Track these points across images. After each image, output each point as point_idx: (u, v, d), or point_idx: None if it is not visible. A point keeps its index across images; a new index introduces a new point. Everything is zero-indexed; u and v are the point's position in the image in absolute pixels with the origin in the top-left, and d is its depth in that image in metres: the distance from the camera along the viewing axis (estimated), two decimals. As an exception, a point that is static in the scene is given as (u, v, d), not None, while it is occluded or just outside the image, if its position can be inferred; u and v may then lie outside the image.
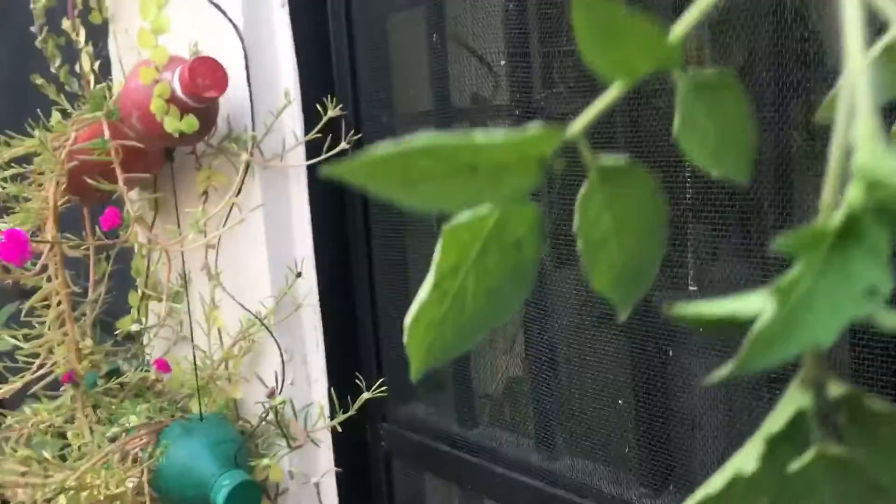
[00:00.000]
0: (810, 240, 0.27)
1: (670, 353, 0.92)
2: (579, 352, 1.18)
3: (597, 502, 1.01)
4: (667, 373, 0.95)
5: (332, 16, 1.25)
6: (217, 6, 1.24)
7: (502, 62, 1.04)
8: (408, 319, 0.34)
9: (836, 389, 0.27)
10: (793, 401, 0.27)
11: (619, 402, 1.00)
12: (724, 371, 0.25)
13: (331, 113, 1.22)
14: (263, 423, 1.26)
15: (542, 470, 1.08)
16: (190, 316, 1.35)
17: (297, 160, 1.27)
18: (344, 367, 1.31)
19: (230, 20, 1.24)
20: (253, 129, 1.24)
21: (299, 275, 1.29)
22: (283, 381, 1.29)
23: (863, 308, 0.25)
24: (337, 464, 1.31)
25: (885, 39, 0.37)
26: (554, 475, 1.06)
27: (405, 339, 0.34)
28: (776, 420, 0.27)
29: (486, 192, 0.36)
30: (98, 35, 1.44)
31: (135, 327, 1.37)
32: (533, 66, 1.01)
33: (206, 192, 1.31)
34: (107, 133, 1.20)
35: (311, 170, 1.27)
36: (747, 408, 0.88)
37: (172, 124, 1.15)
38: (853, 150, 0.29)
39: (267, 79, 1.26)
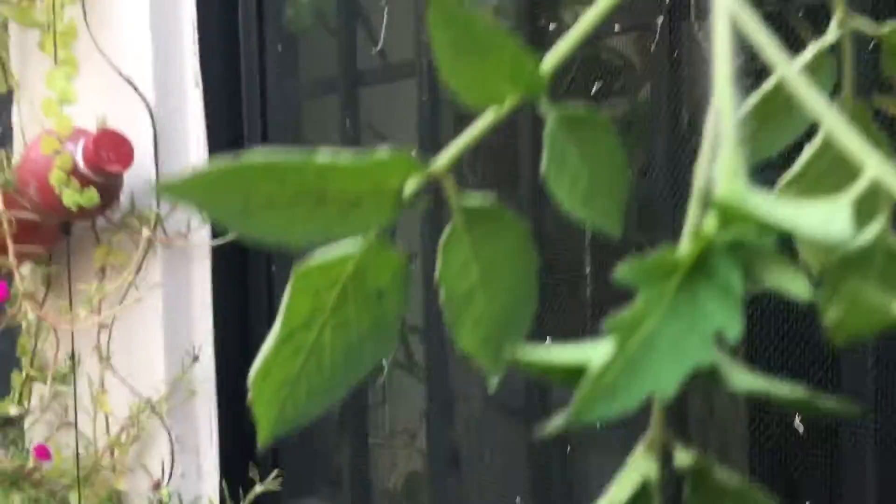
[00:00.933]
0: (658, 271, 0.25)
1: (569, 449, 0.90)
2: (479, 447, 1.15)
3: None
4: (565, 470, 0.93)
5: (247, 98, 1.24)
6: (129, 81, 1.22)
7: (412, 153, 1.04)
8: (253, 374, 0.31)
9: (682, 458, 0.26)
10: (637, 469, 0.25)
11: (518, 499, 0.97)
12: (556, 422, 0.23)
13: (239, 194, 1.19)
14: (147, 516, 1.18)
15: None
16: (76, 400, 1.28)
17: (202, 240, 1.24)
18: (238, 459, 1.25)
19: (141, 95, 1.22)
20: (158, 207, 1.21)
21: (196, 359, 1.23)
22: (171, 472, 1.22)
23: (709, 354, 0.23)
24: (225, 563, 1.23)
25: (764, 87, 0.37)
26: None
27: (250, 397, 0.31)
28: (619, 491, 0.25)
29: (336, 226, 0.33)
30: (2, 104, 1.40)
31: (14, 410, 1.29)
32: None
33: (103, 269, 1.26)
34: (0, 204, 1.15)
35: (216, 251, 1.23)
36: None
37: (72, 198, 1.11)
38: (714, 185, 0.28)
39: (176, 156, 1.24)
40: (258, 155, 0.31)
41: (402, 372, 1.22)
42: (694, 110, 0.81)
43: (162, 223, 1.22)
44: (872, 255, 0.30)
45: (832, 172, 0.43)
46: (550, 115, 0.35)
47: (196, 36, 1.23)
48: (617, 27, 0.82)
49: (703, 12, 0.77)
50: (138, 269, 1.22)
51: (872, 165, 0.28)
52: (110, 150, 1.12)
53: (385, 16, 1.08)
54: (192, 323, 1.25)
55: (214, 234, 1.23)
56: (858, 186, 0.29)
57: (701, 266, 0.26)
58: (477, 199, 0.35)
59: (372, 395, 1.19)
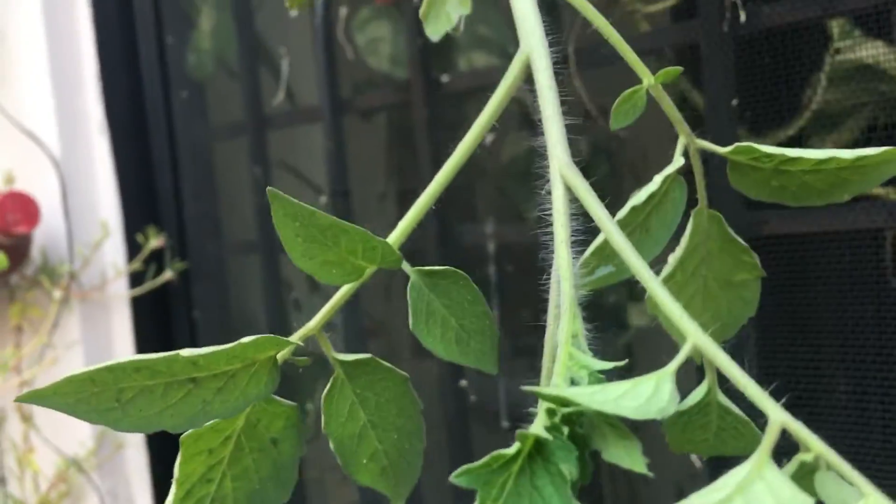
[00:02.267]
0: (494, 469, 0.27)
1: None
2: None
3: None
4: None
5: (154, 144, 1.23)
6: (32, 135, 1.20)
7: (322, 199, 1.04)
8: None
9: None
10: None
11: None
12: None
13: (153, 243, 1.18)
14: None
15: None
16: (2, 462, 1.26)
17: (119, 291, 1.22)
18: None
19: (45, 149, 1.20)
20: (70, 261, 1.20)
21: (122, 411, 1.22)
22: (104, 526, 1.21)
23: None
24: None
25: (597, 241, 0.39)
26: None
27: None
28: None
29: (215, 401, 0.35)
30: None
31: (-61, 475, 1.26)
32: (354, 199, 1.02)
33: (19, 327, 1.24)
34: None
35: (135, 301, 1.22)
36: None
37: (-21, 262, 1.09)
38: (559, 346, 0.30)
39: (86, 208, 1.22)
40: (128, 359, 0.32)
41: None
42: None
43: (76, 277, 1.20)
44: (707, 411, 0.32)
45: (687, 283, 0.45)
46: (412, 275, 0.36)
47: (99, 85, 1.21)
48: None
49: (582, 65, 0.79)
50: (54, 327, 1.20)
51: (692, 334, 0.30)
52: (17, 211, 1.10)
53: (286, 64, 1.07)
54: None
55: (132, 285, 1.22)
56: (681, 356, 0.31)
57: (538, 452, 0.28)
58: (352, 356, 0.37)
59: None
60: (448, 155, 0.93)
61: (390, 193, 1.02)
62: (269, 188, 0.34)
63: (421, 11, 0.42)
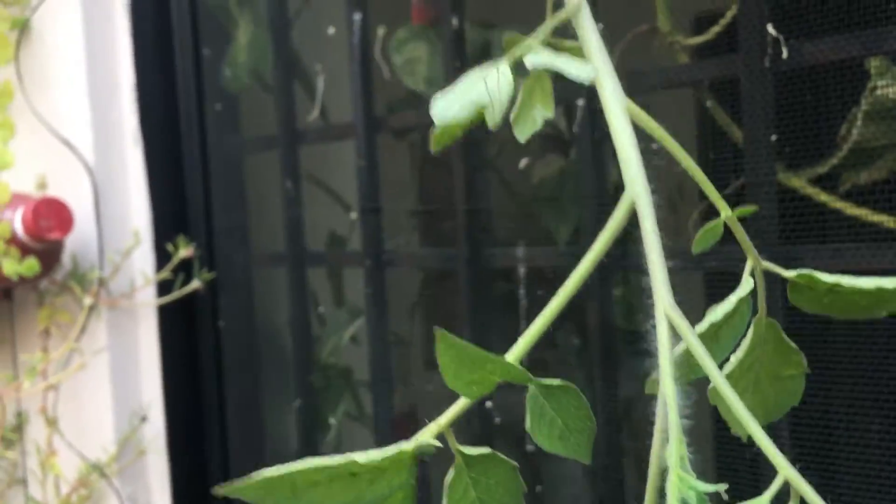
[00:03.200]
0: None
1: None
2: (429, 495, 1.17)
3: None
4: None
5: (187, 155, 1.25)
6: (67, 142, 1.22)
7: (352, 215, 1.05)
8: None
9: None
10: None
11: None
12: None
13: (182, 253, 1.20)
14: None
15: None
16: (24, 464, 1.27)
17: (147, 299, 1.24)
18: (191, 514, 1.26)
19: (80, 156, 1.21)
20: (100, 268, 1.21)
21: (144, 419, 1.24)
22: (124, 532, 1.22)
23: None
24: None
25: (679, 349, 0.40)
26: None
27: None
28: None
29: (366, 489, 0.39)
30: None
31: (-38, 475, 1.28)
32: (384, 217, 1.03)
33: (47, 331, 1.25)
34: (-61, 272, 1.14)
35: (162, 309, 1.23)
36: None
37: (11, 267, 1.11)
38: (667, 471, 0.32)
39: (117, 216, 1.24)
40: (305, 463, 0.36)
41: (354, 423, 1.23)
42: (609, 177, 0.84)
43: (106, 284, 1.21)
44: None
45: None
46: (532, 386, 0.39)
47: (135, 95, 1.23)
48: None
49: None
50: (82, 332, 1.21)
51: (783, 467, 0.32)
52: (50, 217, 1.12)
53: (321, 81, 1.09)
54: (140, 383, 1.25)
55: (160, 293, 1.23)
56: (773, 488, 0.32)
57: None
58: (475, 449, 0.41)
59: (324, 447, 1.21)
60: (480, 177, 0.93)
61: (421, 213, 1.03)
62: (435, 329, 0.39)
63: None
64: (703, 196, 0.80)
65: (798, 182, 0.73)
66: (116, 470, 1.23)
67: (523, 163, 0.88)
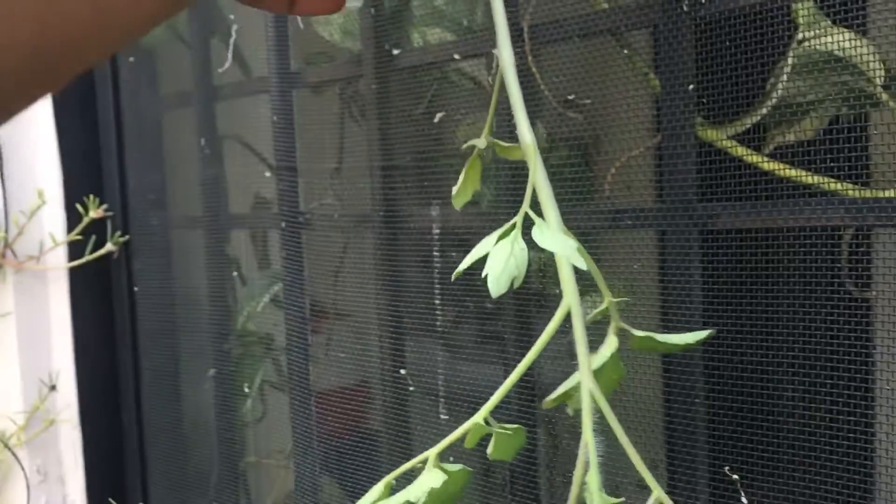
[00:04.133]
0: None
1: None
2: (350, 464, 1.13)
3: None
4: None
5: (100, 111, 1.18)
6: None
7: (266, 173, 1.00)
8: None
9: None
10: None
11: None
12: None
13: (93, 214, 1.14)
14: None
15: None
16: (-74, 434, 1.21)
17: (58, 262, 1.18)
18: (106, 487, 1.21)
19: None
20: (5, 231, 1.14)
21: (53, 388, 1.18)
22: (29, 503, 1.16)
23: None
24: None
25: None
26: None
27: None
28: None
29: None
30: None
31: None
32: (300, 178, 0.98)
33: (-50, 296, 1.18)
34: None
35: (74, 272, 1.17)
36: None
37: None
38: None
39: (24, 175, 1.17)
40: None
41: (274, 391, 1.19)
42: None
43: (10, 246, 1.15)
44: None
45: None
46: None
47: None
48: (457, 56, 0.80)
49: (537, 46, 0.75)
50: (-13, 296, 1.15)
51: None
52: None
53: (234, 31, 1.03)
54: (51, 349, 1.20)
55: (71, 257, 1.17)
56: None
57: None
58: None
59: (241, 416, 1.16)
60: (397, 131, 0.89)
61: (342, 169, 0.98)
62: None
63: (454, 192, 0.56)
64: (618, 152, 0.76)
65: (716, 136, 0.69)
66: (24, 441, 1.17)
67: (438, 117, 0.84)
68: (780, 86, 0.73)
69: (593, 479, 0.37)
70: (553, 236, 0.43)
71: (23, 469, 1.15)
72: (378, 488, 0.42)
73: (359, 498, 0.44)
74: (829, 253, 0.68)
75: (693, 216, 0.66)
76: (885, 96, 0.70)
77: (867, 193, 0.63)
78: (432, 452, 0.41)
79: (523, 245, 0.44)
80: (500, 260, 0.44)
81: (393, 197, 0.88)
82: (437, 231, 0.85)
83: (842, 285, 0.68)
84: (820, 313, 0.68)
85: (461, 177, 0.55)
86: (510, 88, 0.50)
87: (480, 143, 0.54)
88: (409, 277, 0.88)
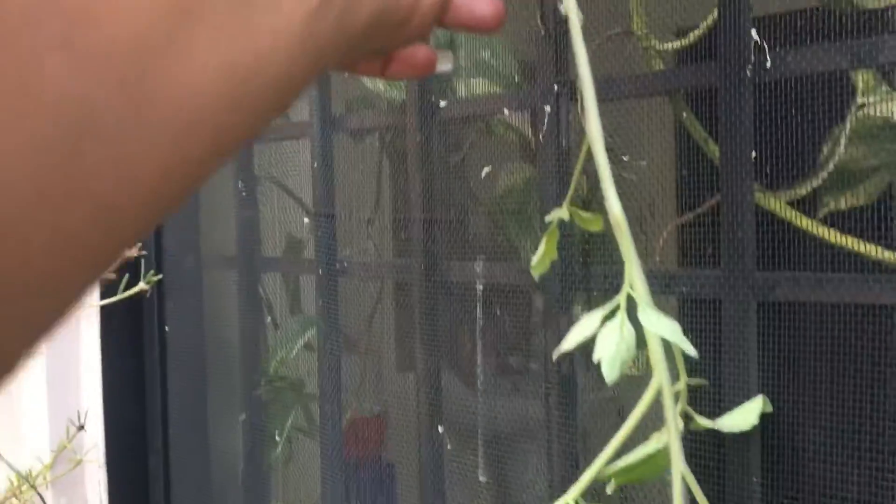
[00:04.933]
0: None
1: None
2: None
3: None
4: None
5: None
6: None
7: (304, 219, 0.99)
8: None
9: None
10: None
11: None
12: None
13: (127, 252, 1.13)
14: None
15: None
16: (-48, 471, 1.19)
17: (89, 300, 1.16)
18: (130, 529, 1.19)
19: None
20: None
21: (81, 427, 1.17)
22: (56, 547, 1.15)
23: None
24: None
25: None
26: None
27: None
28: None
29: None
30: None
31: None
32: (339, 226, 0.97)
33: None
34: None
35: (105, 311, 1.16)
36: None
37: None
38: None
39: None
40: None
41: (304, 436, 1.17)
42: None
43: (44, 284, 1.14)
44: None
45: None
46: None
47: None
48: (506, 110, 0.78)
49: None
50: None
51: None
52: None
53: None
54: (80, 388, 1.18)
55: (103, 295, 1.16)
56: None
57: None
58: None
59: (270, 460, 1.14)
60: (440, 184, 0.87)
61: (378, 220, 0.97)
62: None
63: (533, 262, 0.58)
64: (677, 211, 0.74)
65: (776, 204, 0.67)
66: (51, 480, 1.16)
67: (485, 171, 0.82)
68: (837, 151, 0.71)
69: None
70: (659, 320, 0.41)
71: (49, 511, 1.14)
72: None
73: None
74: (885, 329, 0.65)
75: (752, 284, 0.64)
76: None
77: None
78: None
79: (631, 328, 0.43)
80: (611, 344, 0.42)
81: (433, 250, 0.86)
82: (480, 287, 0.83)
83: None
84: (873, 385, 0.65)
85: (541, 247, 0.54)
86: (598, 160, 0.48)
87: (563, 214, 0.53)
88: (448, 331, 0.86)
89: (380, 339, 1.04)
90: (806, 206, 0.70)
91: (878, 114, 0.71)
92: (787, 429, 0.65)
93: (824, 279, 0.60)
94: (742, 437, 0.64)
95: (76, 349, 1.18)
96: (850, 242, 0.64)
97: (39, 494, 1.12)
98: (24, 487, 1.14)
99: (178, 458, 1.19)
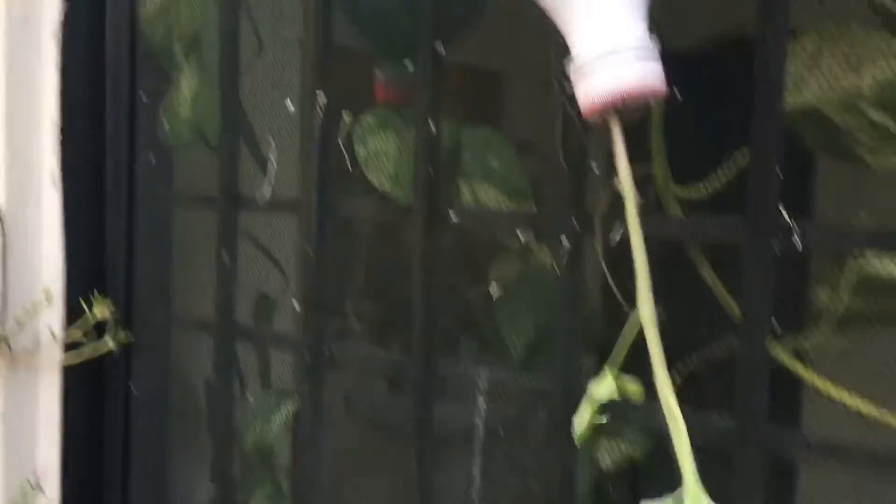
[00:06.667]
0: None
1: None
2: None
3: None
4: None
5: (110, 205, 1.15)
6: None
7: (296, 306, 0.98)
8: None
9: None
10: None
11: None
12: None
13: (98, 314, 1.10)
14: None
15: None
16: None
17: (52, 357, 1.13)
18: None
19: (-11, 197, 1.10)
20: (2, 324, 1.10)
21: (37, 486, 1.13)
22: None
23: None
24: None
25: None
26: None
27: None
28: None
29: None
30: None
31: None
32: (324, 304, 0.97)
33: (-65, 384, 1.13)
34: None
35: (68, 370, 1.13)
36: None
37: None
38: None
39: (28, 266, 1.13)
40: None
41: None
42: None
43: (6, 341, 1.10)
44: None
45: None
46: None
47: (57, 136, 1.12)
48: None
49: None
50: (-24, 390, 1.10)
51: None
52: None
53: (274, 157, 1.01)
54: (37, 447, 1.15)
55: (67, 350, 1.13)
56: None
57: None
58: None
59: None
60: (442, 291, 0.88)
61: (364, 314, 0.97)
62: None
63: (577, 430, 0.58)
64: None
65: (783, 354, 0.71)
66: (1, 542, 1.12)
67: (491, 287, 0.83)
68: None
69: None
70: None
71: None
72: None
73: None
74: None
75: (764, 439, 0.67)
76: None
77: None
78: None
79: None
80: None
81: (430, 350, 0.87)
82: (482, 401, 0.84)
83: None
84: None
85: (583, 415, 0.55)
86: (651, 344, 0.50)
87: (612, 392, 0.54)
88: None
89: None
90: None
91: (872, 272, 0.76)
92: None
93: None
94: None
95: (34, 407, 1.15)
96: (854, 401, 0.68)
97: (-6, 563, 1.09)
98: (-26, 550, 1.11)
99: (136, 522, 1.16)
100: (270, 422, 1.06)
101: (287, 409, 1.08)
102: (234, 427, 1.11)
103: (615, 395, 0.56)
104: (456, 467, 0.90)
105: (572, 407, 0.73)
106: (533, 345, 0.93)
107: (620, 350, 0.58)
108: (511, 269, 0.98)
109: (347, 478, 1.08)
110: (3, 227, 1.10)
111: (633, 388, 0.57)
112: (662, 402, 0.51)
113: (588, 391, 0.59)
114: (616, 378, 0.56)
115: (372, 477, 1.05)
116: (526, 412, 0.84)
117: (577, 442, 0.60)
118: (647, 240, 0.71)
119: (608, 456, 0.95)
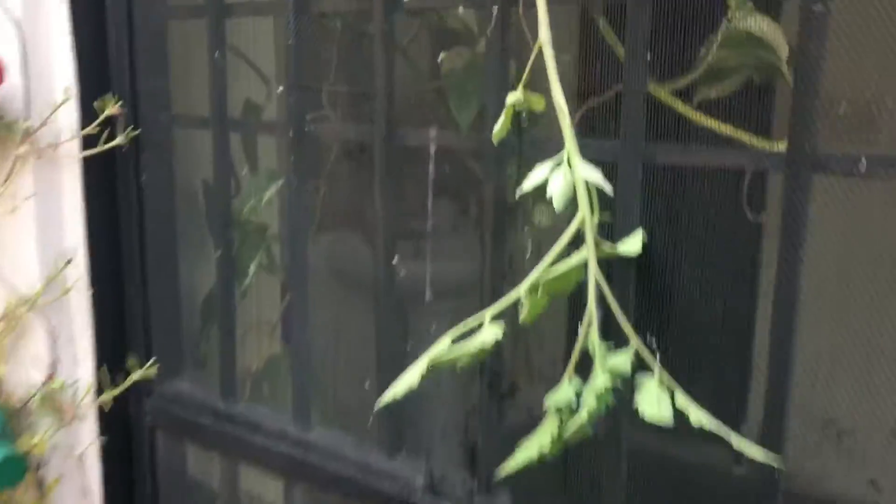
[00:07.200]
0: None
1: (409, 344, 1.11)
2: (334, 337, 1.35)
3: (343, 465, 1.18)
4: (406, 357, 1.14)
5: (112, 17, 1.31)
6: (-7, -5, 1.26)
7: (279, 88, 1.17)
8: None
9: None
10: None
11: (367, 383, 1.18)
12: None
13: (109, 111, 1.28)
14: (31, 401, 1.32)
15: (297, 440, 1.24)
16: (-48, 297, 1.36)
17: (72, 152, 1.32)
18: (112, 347, 1.39)
19: (8, 11, 1.26)
20: (28, 119, 1.28)
21: (69, 261, 1.34)
22: (50, 361, 1.34)
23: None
24: (102, 436, 1.39)
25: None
26: (307, 444, 1.23)
27: None
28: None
29: None
30: None
31: None
32: (304, 92, 1.16)
33: (-28, 176, 1.32)
34: None
35: (87, 162, 1.33)
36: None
37: (-53, 113, 1.17)
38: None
39: (45, 71, 1.30)
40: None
41: (265, 273, 1.39)
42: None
43: (33, 135, 1.29)
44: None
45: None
46: None
47: (62, -46, 1.28)
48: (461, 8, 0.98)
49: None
50: (9, 179, 1.30)
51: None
52: (-15, 69, 1.18)
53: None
54: (65, 228, 1.35)
55: (85, 147, 1.32)
56: None
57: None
58: None
59: (238, 293, 1.36)
60: (399, 68, 1.07)
61: (336, 93, 1.16)
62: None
63: (494, 132, 0.81)
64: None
65: (663, 93, 0.91)
66: (41, 306, 1.34)
67: (440, 57, 1.02)
68: (710, 54, 0.95)
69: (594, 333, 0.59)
70: (587, 168, 0.64)
71: (51, 327, 1.32)
72: (445, 340, 0.63)
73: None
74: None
75: (641, 152, 0.88)
76: (785, 69, 0.94)
77: (766, 144, 0.87)
78: (487, 314, 0.62)
79: (570, 174, 0.66)
80: (559, 183, 0.65)
81: (390, 117, 1.07)
82: (433, 150, 1.05)
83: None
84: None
85: (501, 119, 0.75)
86: (547, 58, 0.69)
87: (518, 97, 0.73)
88: (401, 190, 1.08)
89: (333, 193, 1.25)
90: (684, 95, 0.95)
91: (742, 26, 0.96)
92: (657, 255, 0.91)
93: (688, 149, 0.85)
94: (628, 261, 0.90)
95: (60, 195, 1.35)
96: (715, 124, 0.89)
97: (37, 312, 1.30)
98: (20, 311, 1.33)
99: (153, 288, 1.39)
100: (261, 196, 1.27)
101: (275, 186, 1.29)
102: (231, 205, 1.32)
103: (521, 99, 0.75)
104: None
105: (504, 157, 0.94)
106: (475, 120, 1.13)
107: (527, 71, 0.78)
108: (460, 57, 1.17)
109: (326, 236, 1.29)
110: (23, 37, 1.27)
111: (536, 100, 0.77)
112: (553, 98, 0.71)
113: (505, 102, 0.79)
114: (524, 92, 0.76)
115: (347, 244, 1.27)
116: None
117: (493, 139, 0.80)
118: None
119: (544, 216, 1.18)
